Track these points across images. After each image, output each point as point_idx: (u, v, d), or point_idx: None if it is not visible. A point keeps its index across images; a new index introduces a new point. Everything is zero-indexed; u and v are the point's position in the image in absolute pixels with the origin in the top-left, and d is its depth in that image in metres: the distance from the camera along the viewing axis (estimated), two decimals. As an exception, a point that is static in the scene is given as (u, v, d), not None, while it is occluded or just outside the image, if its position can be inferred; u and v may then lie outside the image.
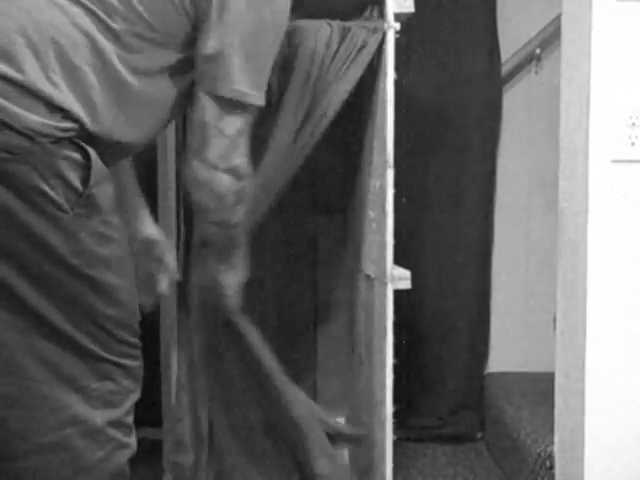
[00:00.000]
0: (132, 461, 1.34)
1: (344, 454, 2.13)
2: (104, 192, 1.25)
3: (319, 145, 1.71)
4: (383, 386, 1.70)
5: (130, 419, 1.34)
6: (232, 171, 1.38)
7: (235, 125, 1.36)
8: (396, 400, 1.70)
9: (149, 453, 2.13)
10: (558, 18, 1.95)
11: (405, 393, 2.27)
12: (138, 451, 1.36)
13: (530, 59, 2.56)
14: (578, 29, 1.66)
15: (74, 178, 1.20)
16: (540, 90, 2.56)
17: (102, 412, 1.28)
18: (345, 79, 1.70)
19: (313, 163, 1.99)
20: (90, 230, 1.23)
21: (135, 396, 1.34)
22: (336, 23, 1.73)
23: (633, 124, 1.60)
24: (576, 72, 1.68)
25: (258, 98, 1.36)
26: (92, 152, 1.22)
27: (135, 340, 1.34)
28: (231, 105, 1.34)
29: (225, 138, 1.35)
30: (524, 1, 2.55)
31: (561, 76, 1.78)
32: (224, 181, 1.38)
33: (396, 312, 1.68)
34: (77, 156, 1.21)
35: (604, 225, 1.63)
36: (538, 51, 2.53)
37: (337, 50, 1.70)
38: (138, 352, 1.35)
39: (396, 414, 1.72)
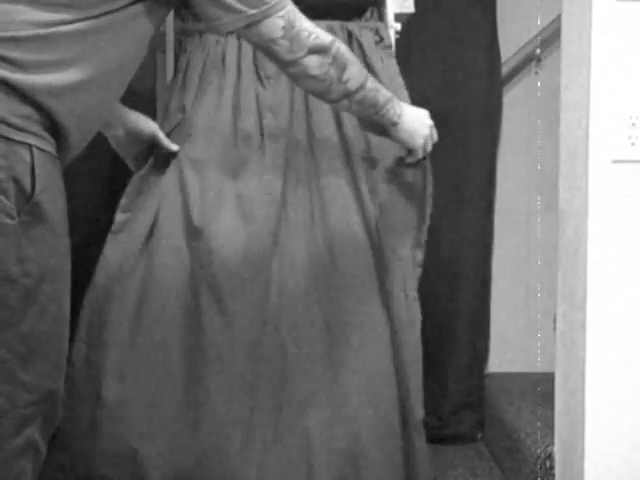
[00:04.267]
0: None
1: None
2: (51, 198, 1.17)
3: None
4: (383, 386, 1.69)
5: None
6: (312, 49, 1.38)
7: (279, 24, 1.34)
8: (396, 400, 1.70)
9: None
10: (558, 18, 1.95)
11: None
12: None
13: (530, 59, 2.56)
14: (578, 29, 1.66)
15: (27, 184, 1.12)
16: (540, 90, 2.56)
17: None
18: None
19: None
20: (33, 238, 1.14)
21: None
22: (338, 24, 1.73)
23: (633, 124, 1.60)
24: (576, 72, 1.68)
25: None
26: (38, 153, 1.14)
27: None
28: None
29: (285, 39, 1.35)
30: (524, 1, 2.55)
31: (561, 76, 1.78)
32: (313, 62, 1.39)
33: (396, 312, 1.68)
34: (29, 158, 1.13)
35: (604, 225, 1.62)
36: (538, 51, 2.53)
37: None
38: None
39: (396, 414, 1.71)
